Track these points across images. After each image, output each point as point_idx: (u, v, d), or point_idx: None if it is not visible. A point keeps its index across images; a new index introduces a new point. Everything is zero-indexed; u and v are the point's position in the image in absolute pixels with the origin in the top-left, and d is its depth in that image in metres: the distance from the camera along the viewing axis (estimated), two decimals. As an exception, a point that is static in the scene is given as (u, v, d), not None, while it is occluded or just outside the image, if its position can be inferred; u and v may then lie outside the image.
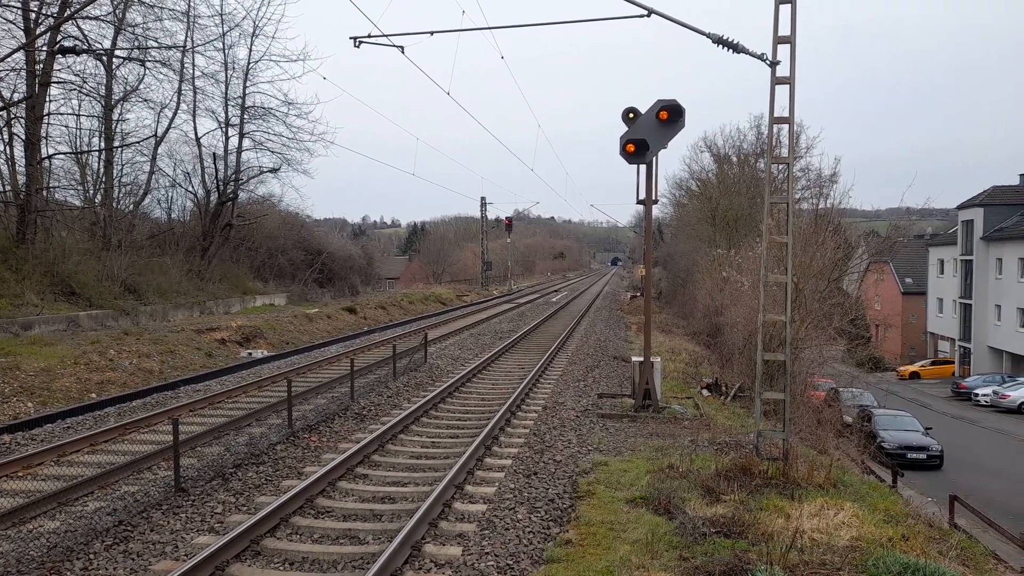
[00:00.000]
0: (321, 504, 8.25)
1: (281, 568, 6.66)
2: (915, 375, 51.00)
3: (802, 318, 18.30)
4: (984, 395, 39.48)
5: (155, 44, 27.66)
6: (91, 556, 6.82)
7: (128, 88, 28.56)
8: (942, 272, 55.78)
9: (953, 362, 51.85)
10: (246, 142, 34.79)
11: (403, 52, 16.22)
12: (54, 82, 24.31)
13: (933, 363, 53.15)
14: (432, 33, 14.79)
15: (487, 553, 6.92)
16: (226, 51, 32.79)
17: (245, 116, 34.31)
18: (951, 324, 53.05)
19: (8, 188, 24.24)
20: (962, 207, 50.78)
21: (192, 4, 29.13)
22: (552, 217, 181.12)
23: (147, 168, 31.04)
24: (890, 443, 24.75)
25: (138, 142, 30.17)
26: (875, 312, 59.06)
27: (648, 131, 13.20)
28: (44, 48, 23.28)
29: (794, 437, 10.76)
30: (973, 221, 48.80)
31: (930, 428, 27.03)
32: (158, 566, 6.60)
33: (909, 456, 24.39)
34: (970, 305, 48.98)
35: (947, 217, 65.34)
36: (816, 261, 20.00)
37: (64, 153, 27.61)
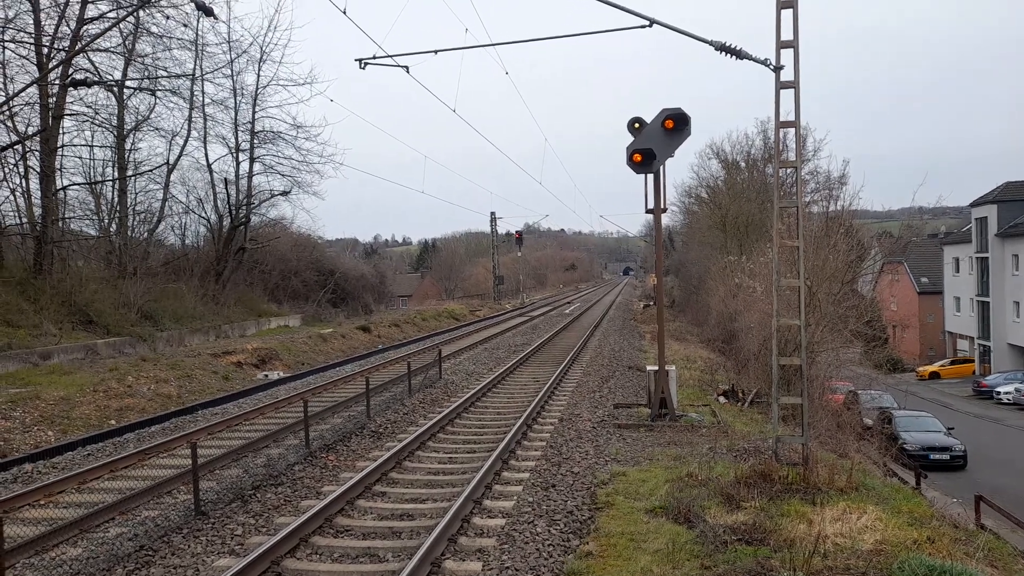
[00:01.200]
0: (340, 523, 8.26)
1: (302, 588, 6.67)
2: (935, 375, 50.48)
3: (817, 321, 18.15)
4: (1006, 393, 39.01)
5: (165, 74, 28.15)
6: (114, 582, 6.86)
7: (139, 117, 29.01)
8: (958, 270, 55.26)
9: (973, 361, 51.29)
10: (257, 166, 35.16)
11: (408, 72, 16.34)
12: (67, 114, 24.73)
13: (952, 362, 52.61)
14: (436, 52, 14.90)
15: (507, 567, 6.90)
16: (234, 78, 33.23)
17: (255, 141, 34.68)
18: (969, 322, 52.50)
19: (25, 220, 24.59)
20: (975, 204, 50.40)
21: (200, 33, 29.58)
22: (562, 229, 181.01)
23: (160, 195, 31.47)
24: (912, 444, 24.46)
25: (151, 170, 30.61)
26: (891, 313, 58.43)
27: (654, 140, 13.22)
28: (57, 81, 23.69)
29: (813, 441, 10.66)
30: (987, 218, 48.40)
31: (952, 428, 26.71)
32: (180, 590, 6.63)
33: (932, 457, 24.09)
34: (988, 303, 48.49)
35: (960, 215, 64.86)
36: (829, 264, 19.86)
37: (79, 184, 28.02)
